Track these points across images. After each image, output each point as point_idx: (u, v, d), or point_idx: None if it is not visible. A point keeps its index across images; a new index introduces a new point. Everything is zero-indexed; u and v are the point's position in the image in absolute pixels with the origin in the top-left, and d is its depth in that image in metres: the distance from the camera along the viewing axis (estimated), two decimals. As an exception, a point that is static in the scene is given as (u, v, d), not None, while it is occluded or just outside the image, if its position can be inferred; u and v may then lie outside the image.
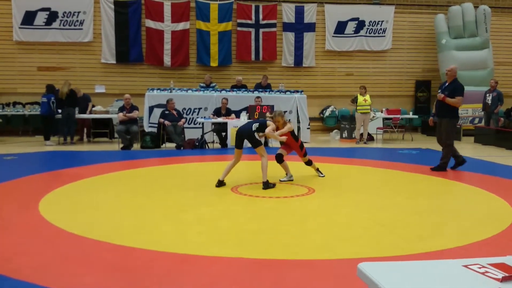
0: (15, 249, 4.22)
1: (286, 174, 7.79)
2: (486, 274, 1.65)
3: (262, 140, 12.78)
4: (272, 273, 3.71)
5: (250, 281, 3.56)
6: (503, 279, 1.58)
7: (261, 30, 16.72)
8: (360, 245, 4.45)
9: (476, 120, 16.17)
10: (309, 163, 8.01)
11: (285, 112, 13.50)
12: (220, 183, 7.16)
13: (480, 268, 1.70)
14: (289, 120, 9.22)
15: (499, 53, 17.52)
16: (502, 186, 7.33)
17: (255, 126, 7.25)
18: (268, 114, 7.86)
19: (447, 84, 8.63)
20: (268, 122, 7.38)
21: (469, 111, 16.28)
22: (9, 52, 15.67)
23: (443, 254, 4.09)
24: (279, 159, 7.70)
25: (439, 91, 8.67)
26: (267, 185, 7.03)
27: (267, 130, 7.32)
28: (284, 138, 7.50)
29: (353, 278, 1.90)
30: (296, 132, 13.63)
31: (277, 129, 7.52)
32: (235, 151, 7.33)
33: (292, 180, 7.68)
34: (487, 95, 14.25)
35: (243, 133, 7.23)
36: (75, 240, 4.50)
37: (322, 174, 8.08)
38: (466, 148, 13.12)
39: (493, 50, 16.90)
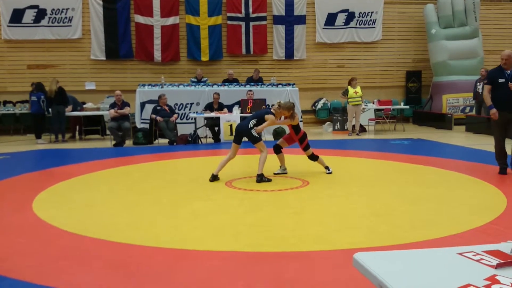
0: (10, 248, 4.20)
1: (280, 166, 7.77)
2: (481, 261, 1.67)
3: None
4: (269, 265, 3.73)
5: (248, 275, 3.58)
6: (498, 266, 1.60)
7: (251, 24, 16.67)
8: (355, 235, 4.47)
9: (467, 109, 16.26)
10: (313, 157, 7.62)
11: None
12: (214, 178, 7.16)
13: (474, 255, 1.72)
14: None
15: (489, 42, 17.60)
16: (495, 174, 7.39)
17: (252, 122, 7.23)
18: (276, 105, 7.41)
19: (509, 72, 7.26)
20: (267, 116, 7.35)
21: (460, 100, 16.37)
22: (-2, 51, 15.54)
23: (438, 242, 4.13)
24: (277, 149, 7.66)
25: (502, 80, 7.20)
26: (261, 177, 7.04)
27: (264, 124, 7.32)
28: (283, 122, 7.52)
29: (350, 268, 1.91)
30: None
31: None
32: (232, 145, 7.32)
33: (286, 173, 7.69)
34: (478, 84, 14.31)
35: (241, 131, 7.24)
36: (71, 238, 4.49)
37: (329, 170, 7.67)
38: (458, 137, 13.21)
39: (483, 39, 16.97)
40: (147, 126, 12.64)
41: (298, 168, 8.03)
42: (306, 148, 7.55)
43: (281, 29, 16.93)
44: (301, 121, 13.98)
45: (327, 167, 7.69)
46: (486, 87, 7.48)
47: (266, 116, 7.32)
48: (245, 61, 16.90)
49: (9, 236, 4.57)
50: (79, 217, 5.24)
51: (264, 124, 7.34)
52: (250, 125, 7.20)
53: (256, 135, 7.27)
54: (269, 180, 7.09)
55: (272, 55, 17.06)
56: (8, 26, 15.33)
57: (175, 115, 12.54)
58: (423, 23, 17.30)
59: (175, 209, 5.61)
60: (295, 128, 7.53)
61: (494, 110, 7.30)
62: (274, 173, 7.64)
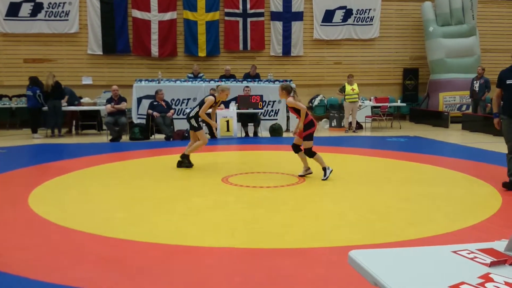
0: (5, 243, 4.19)
1: (304, 166, 7.23)
2: (475, 259, 1.67)
3: (252, 130, 12.81)
4: (265, 262, 3.74)
5: (243, 271, 3.58)
6: (492, 264, 1.61)
7: (248, 20, 16.63)
8: (351, 232, 4.49)
9: (464, 107, 16.29)
10: (310, 153, 6.93)
11: (275, 101, 13.53)
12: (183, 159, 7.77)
13: (469, 253, 1.73)
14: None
15: (486, 40, 17.61)
16: (490, 172, 7.42)
17: (194, 110, 7.72)
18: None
19: None
20: (206, 98, 7.70)
21: (456, 98, 16.39)
22: (-6, 45, 15.46)
23: (433, 240, 4.14)
24: (295, 149, 7.21)
25: (510, 82, 6.33)
26: (186, 159, 7.72)
27: (202, 109, 7.65)
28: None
29: (345, 266, 1.92)
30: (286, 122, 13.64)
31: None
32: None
33: (311, 173, 7.16)
34: (475, 82, 14.35)
35: (186, 118, 7.79)
36: (66, 233, 4.48)
37: (326, 176, 6.88)
38: (454, 135, 13.24)
39: (480, 37, 16.98)
40: (143, 121, 12.63)
41: (294, 164, 8.02)
42: (306, 138, 6.94)
43: (278, 25, 16.90)
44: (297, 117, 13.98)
45: (324, 169, 6.92)
46: (495, 91, 6.74)
47: (205, 99, 7.69)
48: (242, 57, 16.86)
49: (4, 231, 4.56)
50: (74, 212, 5.24)
51: (203, 107, 7.63)
52: (192, 114, 7.68)
53: (195, 124, 7.67)
54: (189, 166, 7.67)
55: (269, 51, 17.03)
56: (4, 19, 15.23)
57: (172, 111, 12.52)
58: (420, 20, 17.30)
59: (171, 205, 5.61)
60: (298, 111, 7.04)
61: (496, 120, 6.57)
62: (299, 175, 7.20)
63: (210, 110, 7.98)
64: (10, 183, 6.85)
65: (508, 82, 6.36)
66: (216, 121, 8.46)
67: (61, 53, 15.80)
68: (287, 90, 7.10)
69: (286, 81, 14.17)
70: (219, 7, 16.45)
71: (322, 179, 6.88)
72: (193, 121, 7.71)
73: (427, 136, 12.66)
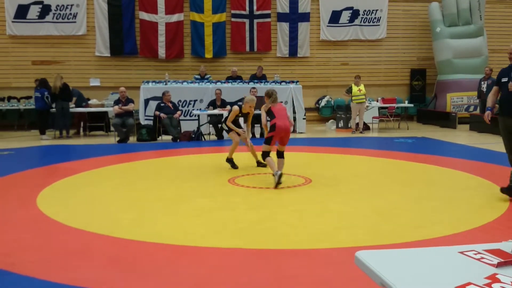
0: (14, 243, 4.23)
1: (275, 168, 6.74)
2: (482, 260, 1.67)
3: (253, 132, 12.83)
4: (271, 263, 3.74)
5: (249, 272, 3.59)
6: (499, 265, 1.61)
7: (255, 21, 16.65)
8: (357, 233, 4.48)
9: (471, 108, 16.20)
10: (263, 155, 6.83)
11: (281, 102, 13.53)
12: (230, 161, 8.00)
13: (476, 254, 1.73)
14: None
15: (494, 41, 17.51)
16: (498, 173, 7.37)
17: (224, 116, 8.23)
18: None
19: None
20: (233, 108, 8.05)
21: (464, 99, 16.31)
22: (3, 47, 15.54)
23: (439, 241, 4.13)
24: (278, 154, 6.91)
25: (504, 80, 6.10)
26: (231, 162, 7.93)
27: (228, 119, 7.98)
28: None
29: (351, 266, 1.92)
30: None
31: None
32: None
33: (272, 175, 6.68)
34: (482, 82, 14.26)
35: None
36: (74, 233, 4.51)
37: (276, 184, 6.45)
38: (461, 136, 13.18)
39: (488, 37, 16.89)
40: (151, 122, 12.67)
41: (300, 166, 8.02)
42: (264, 141, 6.80)
43: (285, 26, 16.90)
44: (304, 118, 14.02)
45: (274, 175, 6.53)
46: (493, 88, 6.56)
47: (232, 108, 8.03)
48: (249, 58, 16.88)
49: (13, 231, 4.60)
50: (82, 213, 5.27)
51: (228, 118, 7.96)
52: (223, 119, 8.26)
53: (225, 128, 8.14)
54: (234, 167, 7.88)
55: (275, 53, 17.03)
56: (12, 22, 15.35)
57: (179, 112, 12.56)
58: (427, 21, 17.24)
59: (178, 205, 5.62)
60: (268, 114, 6.87)
61: (486, 113, 6.33)
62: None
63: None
64: (18, 184, 6.90)
65: (503, 80, 6.16)
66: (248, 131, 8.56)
67: (69, 55, 15.90)
68: (267, 95, 7.06)
69: (293, 82, 14.18)
70: (226, 9, 16.49)
71: (275, 188, 6.45)
72: (224, 126, 8.30)
73: (434, 137, 12.61)
